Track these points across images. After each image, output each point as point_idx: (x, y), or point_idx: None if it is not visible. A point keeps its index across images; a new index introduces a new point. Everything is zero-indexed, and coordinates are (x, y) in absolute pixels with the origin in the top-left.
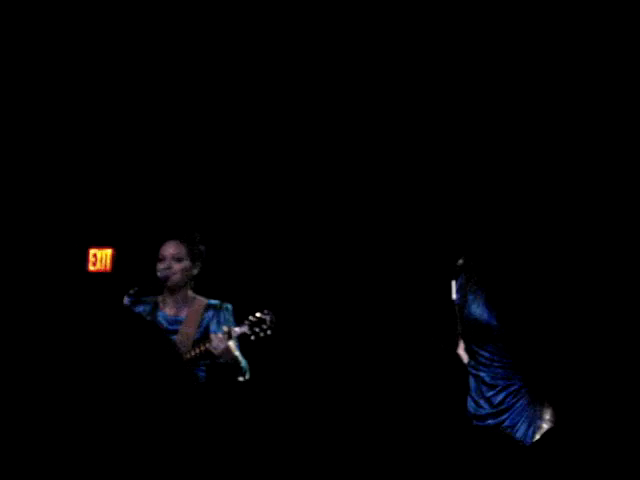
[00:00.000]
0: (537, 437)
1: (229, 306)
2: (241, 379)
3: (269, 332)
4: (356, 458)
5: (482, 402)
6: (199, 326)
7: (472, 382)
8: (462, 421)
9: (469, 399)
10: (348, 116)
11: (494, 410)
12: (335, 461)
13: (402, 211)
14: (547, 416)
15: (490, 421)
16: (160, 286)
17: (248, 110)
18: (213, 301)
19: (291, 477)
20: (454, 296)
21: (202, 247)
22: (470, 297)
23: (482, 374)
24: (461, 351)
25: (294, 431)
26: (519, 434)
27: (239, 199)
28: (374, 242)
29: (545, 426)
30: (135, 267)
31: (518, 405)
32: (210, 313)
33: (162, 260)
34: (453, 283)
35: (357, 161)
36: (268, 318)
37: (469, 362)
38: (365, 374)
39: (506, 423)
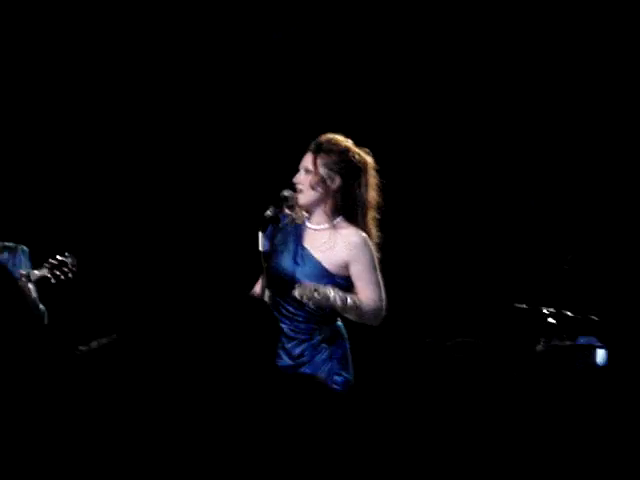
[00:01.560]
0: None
1: (25, 248)
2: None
3: (70, 275)
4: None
5: (282, 353)
6: None
7: None
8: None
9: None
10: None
11: (292, 363)
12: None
13: None
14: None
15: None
16: None
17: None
18: (8, 243)
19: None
20: (260, 247)
21: None
22: (278, 249)
23: (284, 326)
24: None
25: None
26: None
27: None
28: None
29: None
30: None
31: (317, 359)
32: (5, 255)
33: None
34: (260, 234)
35: None
36: (69, 261)
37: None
38: None
39: None
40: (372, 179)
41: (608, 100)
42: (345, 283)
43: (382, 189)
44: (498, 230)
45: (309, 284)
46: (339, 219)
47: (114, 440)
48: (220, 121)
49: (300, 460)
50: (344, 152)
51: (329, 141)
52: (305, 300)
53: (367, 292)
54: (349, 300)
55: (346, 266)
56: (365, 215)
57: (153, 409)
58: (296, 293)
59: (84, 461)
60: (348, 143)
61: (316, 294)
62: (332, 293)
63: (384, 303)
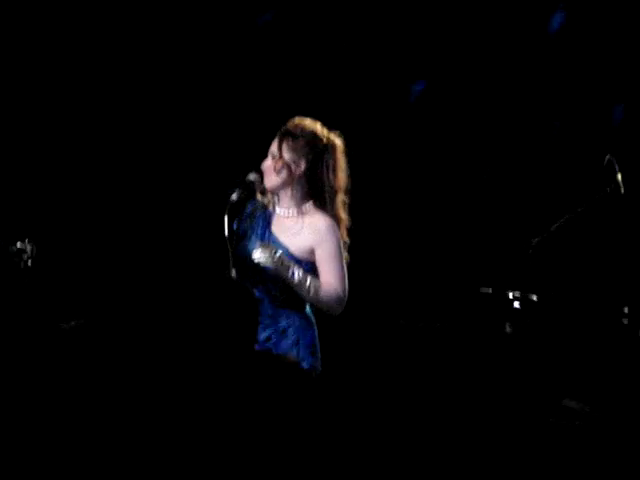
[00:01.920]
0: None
1: None
2: None
3: (29, 263)
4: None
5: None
6: None
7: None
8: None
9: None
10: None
11: (259, 347)
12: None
13: None
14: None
15: None
16: None
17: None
18: None
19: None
20: (226, 232)
21: None
22: (246, 234)
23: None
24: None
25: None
26: None
27: None
28: None
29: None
30: None
31: (283, 344)
32: None
33: None
34: (226, 219)
35: None
36: (29, 248)
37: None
38: None
39: None
40: (341, 162)
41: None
42: (311, 270)
43: (352, 172)
44: (466, 213)
45: (271, 245)
46: (308, 204)
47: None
48: (195, 104)
49: (271, 438)
50: (310, 135)
51: (295, 125)
52: (263, 261)
53: (328, 278)
54: (308, 280)
55: (312, 252)
56: (334, 199)
57: (133, 390)
58: (256, 254)
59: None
60: (315, 126)
61: (276, 257)
62: (292, 265)
63: (345, 292)
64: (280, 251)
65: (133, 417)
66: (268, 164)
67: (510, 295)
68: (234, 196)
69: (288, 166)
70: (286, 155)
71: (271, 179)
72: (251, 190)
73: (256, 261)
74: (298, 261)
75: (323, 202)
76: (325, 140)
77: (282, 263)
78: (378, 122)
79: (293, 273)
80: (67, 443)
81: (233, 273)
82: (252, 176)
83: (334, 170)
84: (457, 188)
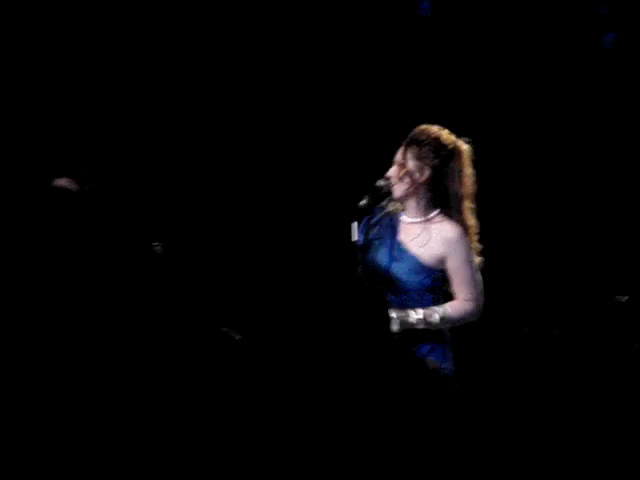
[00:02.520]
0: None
1: None
2: None
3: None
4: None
5: None
6: None
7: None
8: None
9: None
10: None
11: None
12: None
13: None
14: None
15: None
16: None
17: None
18: None
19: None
20: (355, 237)
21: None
22: (374, 242)
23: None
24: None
25: None
26: None
27: None
28: None
29: (418, 316)
30: None
31: (419, 351)
32: None
33: None
34: (354, 225)
35: None
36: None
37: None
38: None
39: None
40: (467, 168)
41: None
42: (442, 275)
43: (480, 178)
44: (598, 221)
45: (404, 312)
46: (434, 212)
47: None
48: (321, 111)
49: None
50: (434, 142)
51: (420, 132)
52: (402, 328)
53: (462, 289)
54: (445, 315)
55: (442, 261)
56: (460, 206)
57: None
58: (395, 326)
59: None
60: (441, 133)
61: (414, 320)
62: (428, 314)
63: (481, 301)
64: (413, 314)
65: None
66: (393, 172)
67: None
68: (363, 202)
69: (412, 174)
70: (410, 163)
71: (397, 187)
72: (380, 197)
73: (395, 331)
74: (428, 269)
75: (449, 209)
76: (450, 146)
77: (419, 321)
78: (509, 126)
79: (431, 321)
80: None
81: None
82: (381, 182)
83: (460, 176)
84: (597, 191)
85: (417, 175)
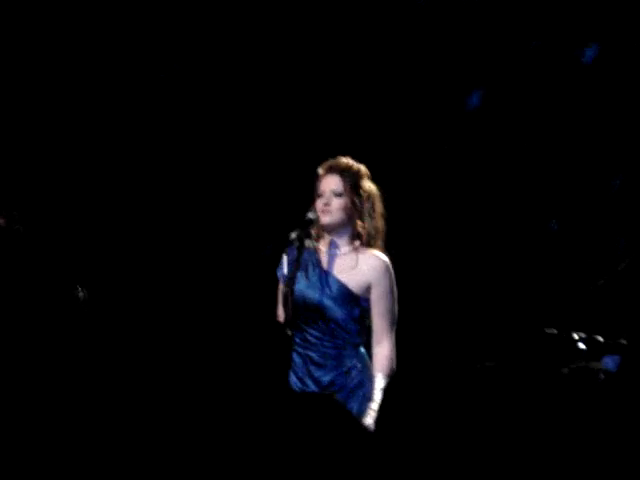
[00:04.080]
0: (366, 418)
1: None
2: None
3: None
4: None
5: (309, 381)
6: None
7: (297, 359)
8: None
9: (292, 376)
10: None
11: (324, 391)
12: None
13: None
14: (376, 397)
15: None
16: None
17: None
18: None
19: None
20: (284, 270)
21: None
22: (300, 274)
23: (311, 353)
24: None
25: None
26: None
27: None
28: None
29: (374, 407)
30: None
31: (348, 386)
32: None
33: None
34: (284, 257)
35: None
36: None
37: (294, 338)
38: None
39: None
40: (379, 204)
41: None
42: (368, 306)
43: (389, 211)
44: (526, 251)
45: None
46: (357, 243)
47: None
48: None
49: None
50: (364, 177)
51: (350, 165)
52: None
53: (381, 320)
54: (378, 394)
55: (368, 288)
56: (379, 240)
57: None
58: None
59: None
60: (360, 165)
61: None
62: (372, 408)
63: (393, 334)
64: (372, 408)
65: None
66: (333, 202)
67: (575, 336)
68: (293, 234)
69: (354, 204)
70: (350, 194)
71: (334, 217)
72: (309, 228)
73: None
74: (357, 297)
75: (372, 241)
76: (370, 180)
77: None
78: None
79: (377, 397)
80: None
81: (288, 331)
82: (311, 214)
83: (377, 211)
84: (519, 223)
85: (358, 206)
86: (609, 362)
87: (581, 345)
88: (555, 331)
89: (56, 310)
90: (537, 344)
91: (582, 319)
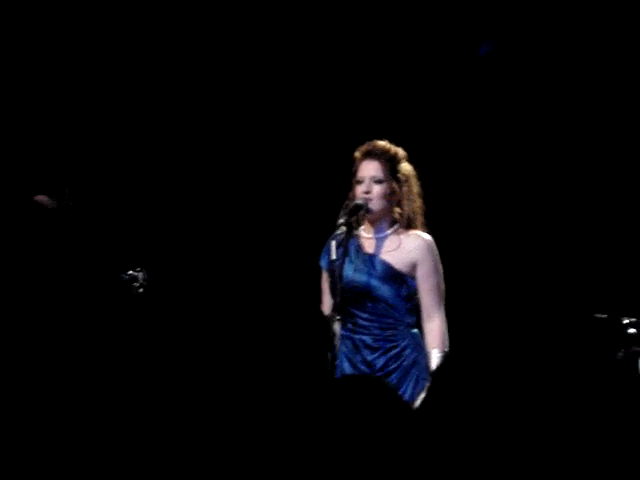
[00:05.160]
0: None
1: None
2: None
3: (141, 291)
4: None
5: (362, 366)
6: None
7: (349, 345)
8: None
9: (344, 362)
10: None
11: (379, 374)
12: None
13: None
14: (426, 377)
15: None
16: None
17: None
18: None
19: None
20: (333, 256)
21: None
22: (347, 258)
23: (364, 337)
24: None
25: None
26: (406, 395)
27: None
28: None
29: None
30: None
31: (403, 366)
32: None
33: None
34: (333, 243)
35: None
36: (141, 275)
37: (344, 325)
38: None
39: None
40: (417, 186)
41: None
42: (415, 285)
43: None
44: (578, 238)
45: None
46: (398, 226)
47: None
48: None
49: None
50: (402, 159)
51: (388, 149)
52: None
53: (429, 297)
54: (437, 360)
55: (414, 266)
56: (419, 220)
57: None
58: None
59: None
60: (397, 149)
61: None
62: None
63: (443, 310)
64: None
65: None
66: (374, 188)
67: (626, 321)
68: (341, 220)
69: (393, 190)
70: (389, 179)
71: (379, 204)
72: (358, 215)
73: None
74: (403, 275)
75: (413, 223)
76: (407, 162)
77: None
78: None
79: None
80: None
81: (335, 324)
82: (359, 201)
83: (416, 192)
84: (574, 211)
85: (397, 190)
86: None
87: (631, 330)
88: (605, 316)
89: (110, 292)
90: (588, 329)
91: (632, 304)
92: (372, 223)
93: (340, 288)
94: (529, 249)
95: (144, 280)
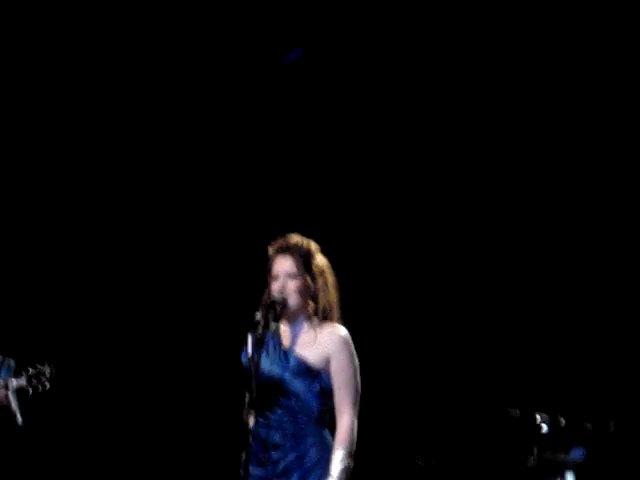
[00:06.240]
0: None
1: (12, 363)
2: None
3: (47, 385)
4: None
5: (268, 464)
6: None
7: (257, 441)
8: None
9: (252, 459)
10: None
11: (280, 474)
12: None
13: None
14: (334, 471)
15: None
16: None
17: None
18: None
19: None
20: (249, 352)
21: None
22: (264, 353)
23: (272, 435)
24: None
25: None
26: None
27: None
28: None
29: None
30: None
31: (305, 468)
32: None
33: None
34: (249, 339)
35: None
36: (47, 371)
37: (257, 420)
38: None
39: None
40: (332, 278)
41: None
42: (329, 382)
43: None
44: (487, 333)
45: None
46: (315, 319)
47: None
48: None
49: None
50: (315, 253)
51: (301, 244)
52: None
53: (342, 392)
54: (336, 467)
55: (328, 360)
56: (335, 313)
57: None
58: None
59: None
60: (310, 242)
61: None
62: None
63: (356, 407)
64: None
65: None
66: (288, 285)
67: (538, 417)
68: (257, 316)
69: (307, 285)
70: (303, 273)
71: (296, 298)
72: (276, 310)
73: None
74: (317, 371)
75: (330, 316)
76: (321, 255)
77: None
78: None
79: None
80: None
81: (250, 419)
82: (277, 296)
83: (330, 285)
84: (480, 304)
85: (311, 285)
86: (577, 453)
87: (544, 428)
88: (518, 412)
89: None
90: (500, 426)
91: (545, 399)
92: (289, 318)
93: (255, 384)
94: (438, 337)
95: (50, 375)
